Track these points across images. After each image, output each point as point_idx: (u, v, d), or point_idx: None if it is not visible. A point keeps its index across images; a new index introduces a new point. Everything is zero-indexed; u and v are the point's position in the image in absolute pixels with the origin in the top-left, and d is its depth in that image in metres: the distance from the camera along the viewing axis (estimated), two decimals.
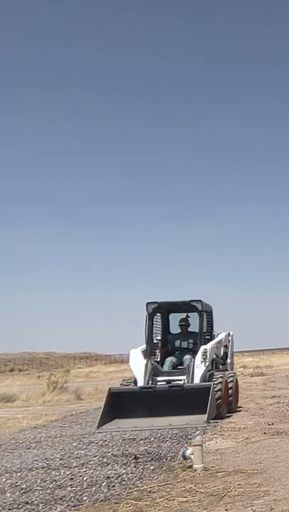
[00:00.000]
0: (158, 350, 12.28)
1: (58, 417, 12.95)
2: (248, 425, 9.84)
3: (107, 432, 9.70)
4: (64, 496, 5.44)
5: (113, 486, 5.78)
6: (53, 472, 6.60)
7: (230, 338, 13.57)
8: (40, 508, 5.11)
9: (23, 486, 5.95)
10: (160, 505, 5.00)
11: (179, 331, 12.61)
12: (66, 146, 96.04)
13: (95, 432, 9.88)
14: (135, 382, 11.28)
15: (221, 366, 12.82)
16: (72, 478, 6.19)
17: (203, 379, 11.17)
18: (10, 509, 5.12)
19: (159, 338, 12.36)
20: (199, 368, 11.24)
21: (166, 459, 7.12)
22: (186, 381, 11.07)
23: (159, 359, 12.13)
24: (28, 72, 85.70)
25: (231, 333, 13.75)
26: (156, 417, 10.14)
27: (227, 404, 11.50)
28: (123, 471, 6.46)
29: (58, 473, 6.49)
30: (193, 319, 12.42)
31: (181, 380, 11.13)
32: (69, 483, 5.96)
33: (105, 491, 5.61)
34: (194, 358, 11.45)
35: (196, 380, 11.08)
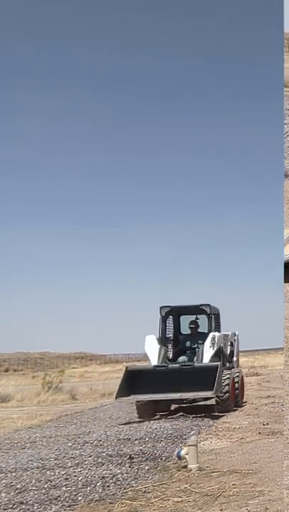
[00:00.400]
0: (170, 350, 13.10)
1: (53, 417, 12.96)
2: (242, 425, 9.85)
3: (124, 402, 11.67)
4: (59, 496, 5.44)
5: (108, 486, 5.78)
6: (48, 472, 6.59)
7: (235, 337, 14.21)
8: (35, 508, 5.11)
9: (18, 486, 5.94)
10: (155, 505, 5.00)
11: (189, 332, 13.37)
12: (66, 146, 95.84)
13: (114, 401, 11.99)
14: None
15: (228, 364, 13.37)
16: (67, 478, 6.18)
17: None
18: (5, 509, 5.11)
19: (171, 337, 13.26)
20: (208, 352, 12.10)
21: (161, 459, 7.13)
22: (196, 362, 12.04)
23: (171, 357, 12.88)
24: (28, 72, 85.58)
25: (237, 332, 14.39)
26: (168, 392, 11.31)
27: (234, 399, 12.28)
28: (118, 471, 6.45)
29: (52, 473, 6.48)
30: (202, 321, 13.24)
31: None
32: (64, 483, 5.96)
33: (100, 491, 5.61)
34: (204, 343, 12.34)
35: (205, 361, 11.95)
